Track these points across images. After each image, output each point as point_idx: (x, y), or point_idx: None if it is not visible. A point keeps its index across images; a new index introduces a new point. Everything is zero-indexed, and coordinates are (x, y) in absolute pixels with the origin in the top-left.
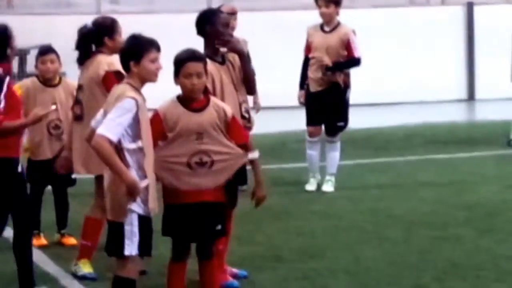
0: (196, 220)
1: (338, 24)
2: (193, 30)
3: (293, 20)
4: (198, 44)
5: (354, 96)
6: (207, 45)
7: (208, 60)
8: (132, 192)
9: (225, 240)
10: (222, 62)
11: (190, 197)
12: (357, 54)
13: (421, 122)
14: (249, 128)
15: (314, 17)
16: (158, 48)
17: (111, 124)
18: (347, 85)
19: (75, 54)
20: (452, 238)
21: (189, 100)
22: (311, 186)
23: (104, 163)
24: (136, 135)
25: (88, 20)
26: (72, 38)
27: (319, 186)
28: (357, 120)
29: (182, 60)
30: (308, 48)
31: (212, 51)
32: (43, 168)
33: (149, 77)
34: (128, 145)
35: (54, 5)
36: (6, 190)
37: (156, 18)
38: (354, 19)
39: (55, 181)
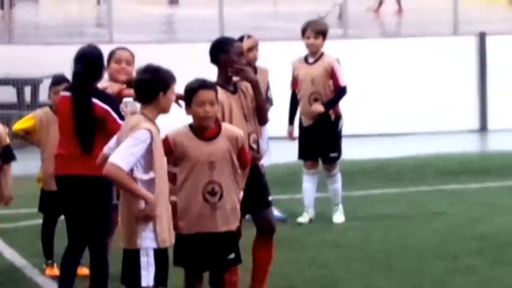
0: (208, 250)
1: (322, 54)
2: (206, 60)
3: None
4: (210, 73)
5: (365, 126)
6: (220, 73)
7: (219, 89)
8: (150, 210)
9: (237, 270)
10: (234, 91)
11: (202, 227)
12: (342, 83)
13: (433, 153)
14: (258, 159)
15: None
16: (175, 80)
17: (123, 154)
18: (338, 116)
19: None
20: (465, 268)
21: (201, 128)
22: (303, 219)
23: (120, 188)
24: (149, 166)
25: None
26: None
27: (311, 220)
28: (368, 150)
29: (194, 89)
30: (295, 82)
31: (224, 80)
32: (56, 198)
33: (169, 108)
34: (141, 175)
35: (67, 35)
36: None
37: (169, 48)
38: (364, 49)
39: None
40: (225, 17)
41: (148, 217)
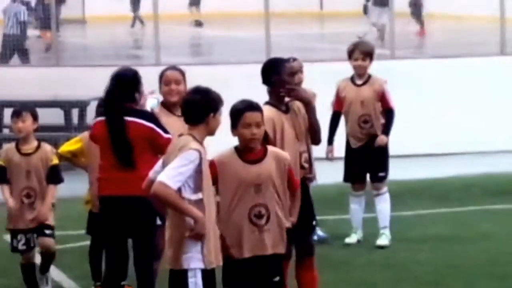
0: (256, 272)
1: (370, 76)
2: (252, 81)
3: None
4: (256, 95)
5: (413, 146)
6: (272, 93)
7: (271, 108)
8: (200, 228)
9: None
10: (286, 111)
11: (251, 251)
12: (392, 105)
13: (481, 173)
14: (310, 179)
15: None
16: (223, 102)
17: (172, 173)
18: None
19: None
20: None
21: (248, 150)
22: (351, 240)
23: (168, 207)
24: (197, 186)
25: (148, 71)
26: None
27: (359, 241)
28: (416, 170)
29: (240, 111)
30: (339, 103)
31: (276, 100)
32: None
33: (216, 130)
34: (189, 195)
35: (114, 57)
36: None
37: (216, 70)
38: (411, 69)
39: None
40: (272, 38)
41: (198, 236)
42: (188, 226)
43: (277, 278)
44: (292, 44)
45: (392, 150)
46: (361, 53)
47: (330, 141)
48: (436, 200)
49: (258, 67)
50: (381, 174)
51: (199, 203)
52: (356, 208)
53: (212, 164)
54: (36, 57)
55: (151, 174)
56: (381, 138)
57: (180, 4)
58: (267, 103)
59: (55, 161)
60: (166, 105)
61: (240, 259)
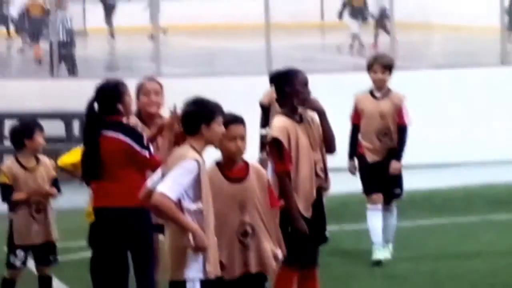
0: None
1: (389, 90)
2: (253, 93)
3: (349, 82)
4: (256, 106)
5: (413, 156)
6: (285, 104)
7: (285, 118)
8: (199, 244)
9: None
10: (300, 120)
11: (238, 269)
12: (407, 121)
13: (482, 183)
14: (325, 189)
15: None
16: (223, 113)
17: (171, 183)
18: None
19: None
20: None
21: (230, 164)
22: (383, 255)
23: (167, 219)
24: (196, 196)
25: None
26: (133, 100)
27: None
28: (417, 180)
29: (225, 123)
30: (357, 116)
31: (290, 110)
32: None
33: (216, 140)
34: (189, 205)
35: (116, 69)
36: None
37: (216, 81)
38: (412, 80)
39: None
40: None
41: (199, 249)
42: (188, 241)
43: None
44: (293, 55)
45: None
46: (381, 65)
47: (352, 155)
48: (437, 210)
49: (259, 79)
50: (397, 191)
51: (198, 213)
52: (377, 225)
53: None
54: (37, 69)
55: (148, 183)
56: (394, 167)
57: (177, 16)
58: (281, 113)
59: (54, 173)
60: (142, 117)
61: (229, 278)
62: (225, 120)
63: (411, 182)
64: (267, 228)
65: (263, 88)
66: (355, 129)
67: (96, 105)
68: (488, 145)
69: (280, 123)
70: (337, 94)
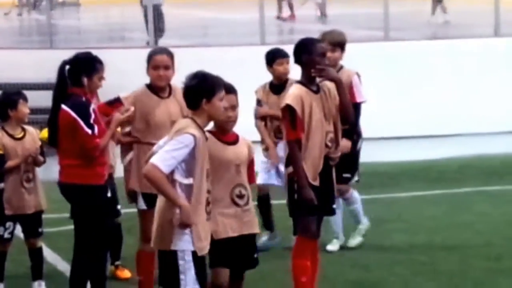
0: (239, 251)
1: (341, 68)
2: (246, 63)
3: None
4: (250, 77)
5: (407, 128)
6: (303, 73)
7: (302, 87)
8: (185, 217)
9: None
10: (317, 91)
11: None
12: (359, 99)
13: (476, 154)
14: (333, 159)
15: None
16: (224, 87)
17: (165, 156)
18: (358, 135)
19: (130, 87)
20: (508, 269)
21: (223, 132)
22: (333, 247)
23: (156, 190)
24: (189, 171)
25: (141, 53)
26: (125, 71)
27: (341, 247)
28: (411, 152)
29: None
30: None
31: (307, 80)
32: None
33: (218, 115)
34: (181, 179)
35: (109, 39)
36: (100, 216)
37: (209, 52)
38: (405, 51)
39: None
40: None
41: (184, 225)
42: (174, 215)
43: (255, 255)
44: (287, 27)
45: (386, 132)
46: (330, 43)
47: None
48: (431, 181)
49: (252, 50)
50: (346, 175)
51: (189, 188)
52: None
53: None
54: (29, 40)
55: (155, 147)
56: (344, 144)
57: None
58: (298, 82)
59: (40, 142)
60: (154, 88)
61: (225, 238)
62: None
63: (405, 153)
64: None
65: (256, 58)
66: None
67: (67, 68)
68: (481, 116)
69: (295, 91)
70: None
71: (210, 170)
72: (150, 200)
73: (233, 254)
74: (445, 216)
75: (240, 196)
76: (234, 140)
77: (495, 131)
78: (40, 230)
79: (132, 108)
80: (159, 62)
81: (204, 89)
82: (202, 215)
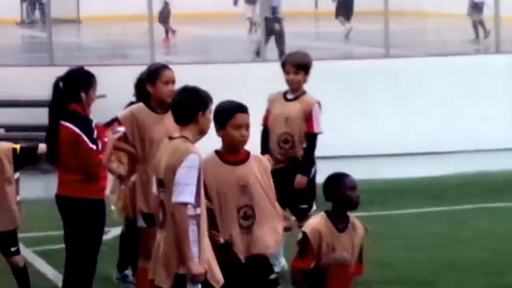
0: (252, 273)
1: (303, 93)
2: (247, 80)
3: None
4: (252, 94)
5: (409, 145)
6: (333, 209)
7: (326, 221)
8: (195, 275)
9: None
10: (344, 228)
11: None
12: (317, 129)
13: (477, 171)
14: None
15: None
16: (212, 100)
17: (189, 190)
18: (312, 163)
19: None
20: (509, 286)
21: (232, 152)
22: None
23: (178, 235)
24: (198, 201)
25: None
26: (126, 88)
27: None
28: (412, 169)
29: (231, 111)
30: (267, 118)
31: (337, 215)
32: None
33: (207, 128)
34: (191, 211)
35: (109, 57)
36: (98, 229)
37: (211, 69)
38: (406, 68)
39: None
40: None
41: (195, 279)
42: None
43: (273, 276)
44: (288, 43)
45: (387, 149)
46: (292, 65)
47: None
48: (432, 198)
49: (252, 66)
50: (303, 206)
51: (196, 218)
52: None
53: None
54: (30, 57)
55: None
56: (298, 181)
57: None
58: (326, 213)
59: (15, 146)
60: (153, 105)
61: (233, 262)
62: (231, 108)
63: (407, 170)
64: (273, 206)
65: (257, 75)
66: (265, 132)
67: (61, 84)
68: (482, 133)
69: (316, 224)
70: (331, 81)
71: (215, 193)
72: (149, 219)
73: (245, 276)
74: (446, 233)
75: (246, 218)
76: (244, 159)
77: (497, 148)
78: (13, 249)
79: (123, 129)
80: (169, 78)
81: (199, 102)
82: (206, 243)
